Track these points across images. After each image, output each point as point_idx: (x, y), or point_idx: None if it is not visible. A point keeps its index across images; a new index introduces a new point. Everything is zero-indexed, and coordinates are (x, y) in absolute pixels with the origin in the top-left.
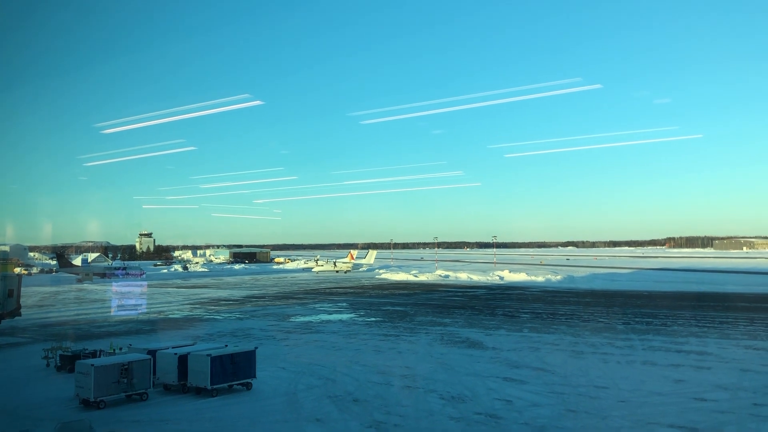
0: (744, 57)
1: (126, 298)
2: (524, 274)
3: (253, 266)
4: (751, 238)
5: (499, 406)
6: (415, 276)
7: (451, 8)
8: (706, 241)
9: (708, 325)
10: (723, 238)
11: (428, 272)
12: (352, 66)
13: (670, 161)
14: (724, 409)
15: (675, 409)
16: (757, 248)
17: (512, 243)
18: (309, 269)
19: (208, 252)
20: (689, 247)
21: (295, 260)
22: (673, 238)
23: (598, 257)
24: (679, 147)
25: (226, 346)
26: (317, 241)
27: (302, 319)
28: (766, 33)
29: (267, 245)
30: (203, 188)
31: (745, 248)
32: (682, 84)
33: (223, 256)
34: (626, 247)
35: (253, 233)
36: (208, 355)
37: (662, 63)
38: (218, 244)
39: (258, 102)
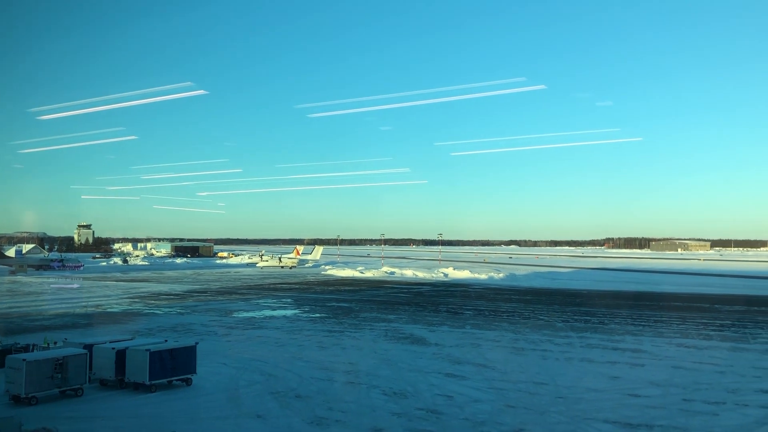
0: (683, 64)
1: (62, 290)
2: (468, 271)
3: (196, 260)
4: (685, 239)
5: (441, 401)
6: (361, 272)
7: (399, 7)
8: (643, 242)
9: (643, 323)
10: (659, 240)
11: (374, 269)
12: (299, 58)
13: (610, 163)
14: (656, 405)
15: (610, 404)
16: (691, 250)
17: (457, 241)
18: (253, 264)
19: (149, 245)
20: (627, 247)
21: (239, 255)
22: (612, 239)
23: (539, 256)
24: (620, 149)
25: (166, 341)
26: (262, 236)
27: (245, 314)
28: (705, 41)
29: (210, 239)
30: (144, 179)
31: (679, 249)
32: (623, 87)
33: (164, 250)
34: (567, 247)
35: (195, 227)
36: (147, 350)
37: (604, 66)
38: (160, 237)
39: (202, 92)
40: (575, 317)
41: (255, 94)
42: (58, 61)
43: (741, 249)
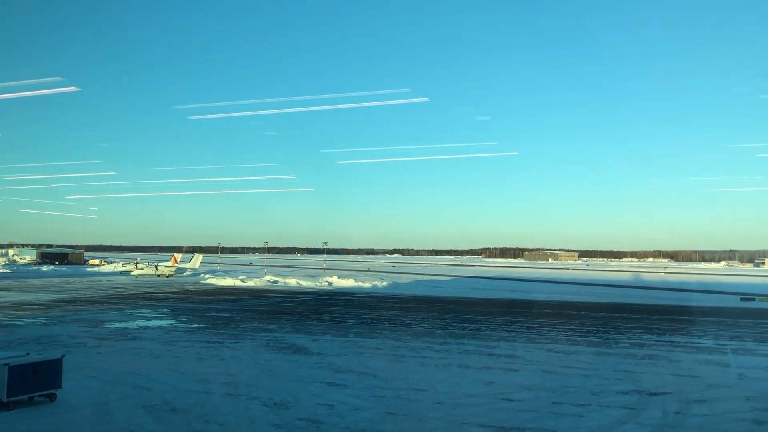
0: (553, 81)
1: None
2: (352, 280)
3: (64, 268)
4: (555, 250)
5: (322, 411)
6: (243, 281)
7: (283, 12)
8: (517, 252)
9: (516, 330)
10: (532, 250)
11: (257, 278)
12: (180, 56)
13: (488, 175)
14: (528, 408)
15: (485, 409)
16: (561, 259)
17: (342, 249)
18: (127, 272)
19: (11, 251)
20: (503, 257)
21: (112, 262)
22: (489, 248)
23: (421, 265)
24: (497, 162)
25: (28, 354)
26: (138, 243)
27: (117, 325)
28: (574, 61)
29: (81, 246)
30: (7, 180)
31: (550, 259)
32: (499, 103)
33: (29, 257)
34: (447, 256)
35: (65, 232)
36: (5, 364)
37: (482, 81)
38: (24, 242)
39: (73, 88)
40: (454, 324)
41: (131, 93)
42: None
43: (606, 259)
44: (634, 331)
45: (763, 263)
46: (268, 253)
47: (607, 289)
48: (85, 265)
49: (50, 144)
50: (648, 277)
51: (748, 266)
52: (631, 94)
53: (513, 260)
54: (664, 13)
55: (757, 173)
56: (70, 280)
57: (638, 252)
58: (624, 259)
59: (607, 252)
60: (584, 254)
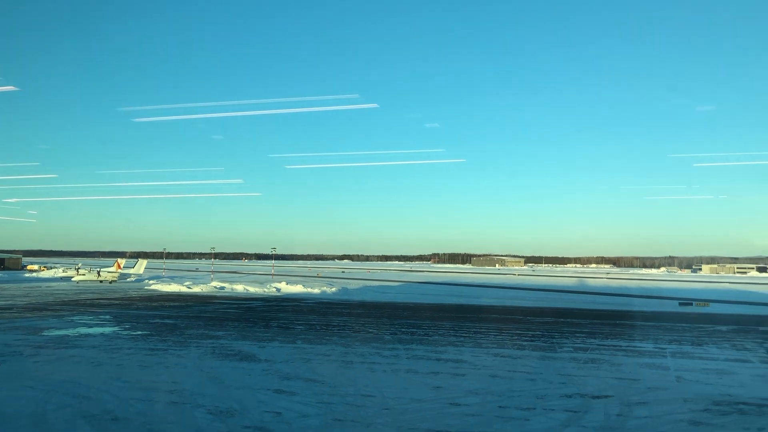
0: (504, 90)
1: None
2: (301, 286)
3: (1, 274)
4: (502, 256)
5: (269, 418)
6: (189, 287)
7: (231, 13)
8: (465, 258)
9: (464, 335)
10: (480, 256)
11: (203, 283)
12: (124, 56)
13: (437, 182)
14: (475, 413)
15: (433, 414)
16: (508, 265)
17: (291, 255)
18: (68, 278)
19: None
20: (451, 262)
21: (52, 268)
22: (438, 254)
23: (371, 270)
24: (446, 169)
25: None
26: (80, 248)
27: (57, 332)
28: (522, 70)
29: (18, 250)
30: None
31: (497, 265)
32: (448, 110)
33: None
34: (396, 261)
35: (1, 236)
36: None
37: (432, 89)
38: None
39: (12, 87)
40: (402, 330)
41: (73, 93)
42: None
43: (551, 265)
44: (578, 335)
45: (701, 269)
46: (215, 258)
47: (552, 294)
48: (23, 271)
49: None
50: (591, 283)
51: (687, 272)
52: (574, 102)
53: (461, 266)
54: (607, 23)
55: (695, 182)
56: (6, 286)
57: (582, 258)
58: (568, 265)
59: (552, 258)
60: (530, 260)
